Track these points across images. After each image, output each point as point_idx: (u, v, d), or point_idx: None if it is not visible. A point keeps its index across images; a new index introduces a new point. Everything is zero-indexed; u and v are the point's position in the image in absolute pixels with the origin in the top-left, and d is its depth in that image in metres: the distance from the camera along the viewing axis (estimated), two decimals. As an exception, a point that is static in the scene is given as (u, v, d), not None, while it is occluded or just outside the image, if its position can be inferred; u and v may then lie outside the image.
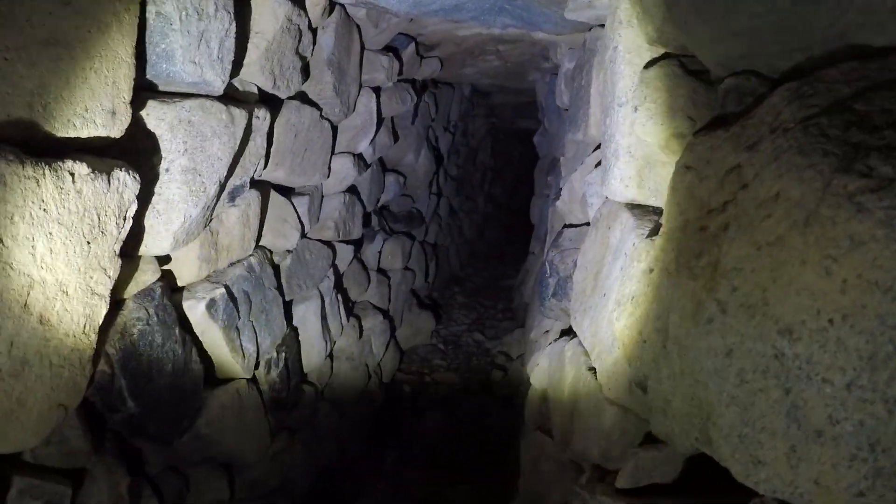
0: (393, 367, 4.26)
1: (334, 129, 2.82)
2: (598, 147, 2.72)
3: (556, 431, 2.39)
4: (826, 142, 0.94)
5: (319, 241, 3.02)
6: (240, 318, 2.25)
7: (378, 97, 3.15)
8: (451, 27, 3.38)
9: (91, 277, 1.46)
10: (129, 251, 1.67)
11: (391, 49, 3.20)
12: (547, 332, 3.22)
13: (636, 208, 1.94)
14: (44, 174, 1.24)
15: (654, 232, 1.64)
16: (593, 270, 2.27)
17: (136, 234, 1.67)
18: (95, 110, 1.36)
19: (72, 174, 1.30)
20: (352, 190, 3.33)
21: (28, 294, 1.30)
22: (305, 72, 2.38)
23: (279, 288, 2.59)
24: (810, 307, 0.86)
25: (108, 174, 1.39)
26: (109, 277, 1.51)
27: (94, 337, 1.52)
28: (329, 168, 2.88)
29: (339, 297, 3.25)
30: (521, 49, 3.91)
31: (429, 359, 4.65)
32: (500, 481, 3.42)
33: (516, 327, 5.24)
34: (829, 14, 1.06)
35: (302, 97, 2.47)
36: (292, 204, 2.66)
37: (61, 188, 1.29)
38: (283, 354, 2.63)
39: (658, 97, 1.61)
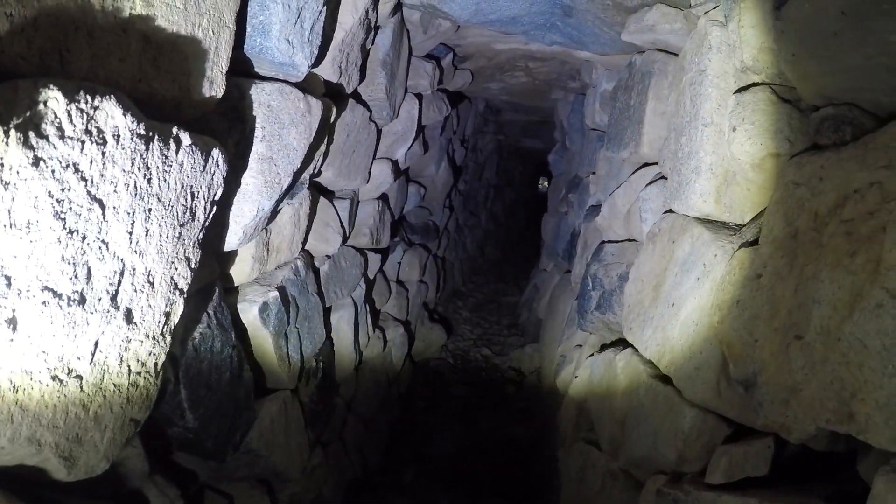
0: (408, 380, 4.15)
1: (379, 132, 2.76)
2: (644, 165, 2.74)
3: (603, 441, 2.38)
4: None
5: (353, 247, 2.94)
6: (288, 323, 2.15)
7: (420, 104, 3.10)
8: (488, 40, 3.37)
9: (176, 268, 1.34)
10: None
11: (433, 57, 3.17)
12: (580, 345, 3.18)
13: (707, 223, 1.97)
14: (153, 137, 1.09)
15: (748, 243, 1.64)
16: (651, 283, 2.26)
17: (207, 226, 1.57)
18: (195, 75, 1.23)
19: (178, 143, 1.15)
20: (383, 197, 3.26)
21: (119, 283, 1.14)
22: (363, 70, 2.32)
23: (320, 294, 2.50)
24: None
25: (206, 150, 1.26)
26: (191, 270, 1.39)
27: (169, 339, 1.34)
28: (369, 172, 2.81)
29: (368, 307, 3.16)
30: (551, 67, 3.92)
31: (441, 372, 4.56)
32: (527, 495, 3.33)
33: (524, 343, 5.19)
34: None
35: (356, 96, 2.40)
36: (335, 207, 2.58)
37: (166, 157, 1.14)
38: (321, 364, 2.52)
39: (757, 119, 1.69)
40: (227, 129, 1.57)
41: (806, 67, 1.47)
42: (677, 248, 2.10)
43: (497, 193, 7.75)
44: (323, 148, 2.08)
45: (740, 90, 1.77)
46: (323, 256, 2.61)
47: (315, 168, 2.09)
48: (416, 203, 4.21)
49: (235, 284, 1.99)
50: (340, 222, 2.60)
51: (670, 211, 2.22)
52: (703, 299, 1.85)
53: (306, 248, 2.44)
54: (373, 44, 2.35)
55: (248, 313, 1.97)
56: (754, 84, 1.76)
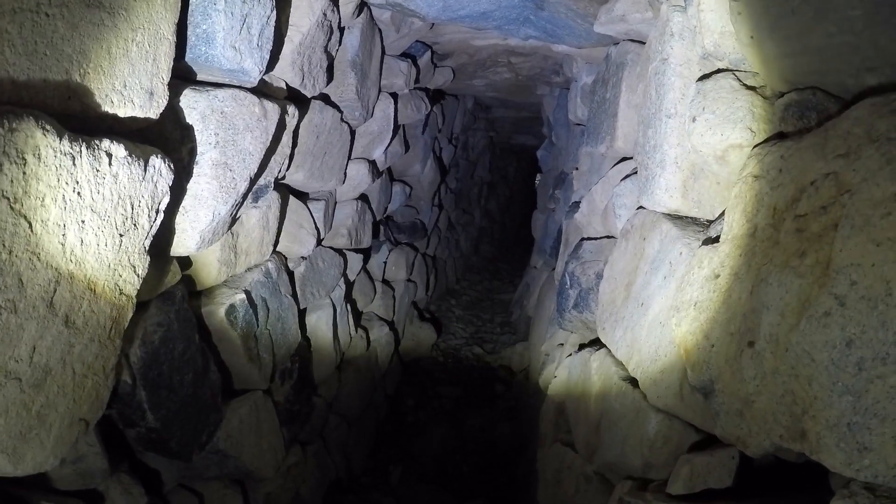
0: (396, 380, 4.15)
1: (352, 133, 2.74)
2: (622, 160, 2.70)
3: (579, 444, 2.34)
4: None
5: (331, 248, 2.93)
6: (258, 325, 2.15)
7: (396, 103, 3.08)
8: (466, 36, 3.34)
9: (120, 275, 1.35)
10: (152, 250, 1.56)
11: (409, 56, 3.15)
12: (561, 344, 3.15)
13: (676, 219, 1.92)
14: (80, 152, 1.12)
15: (711, 240, 1.60)
16: (624, 281, 2.23)
17: (160, 232, 1.57)
18: (133, 88, 1.26)
19: (109, 156, 1.18)
20: (363, 198, 3.25)
21: (54, 291, 1.18)
22: (330, 72, 2.30)
23: (294, 295, 2.49)
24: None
25: (145, 160, 1.29)
26: (138, 276, 1.40)
27: (119, 343, 1.39)
28: (345, 174, 2.80)
29: (349, 306, 3.15)
30: (533, 62, 3.89)
31: (431, 372, 4.55)
32: (511, 495, 3.33)
33: (515, 341, 5.17)
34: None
35: (325, 98, 2.39)
36: (308, 209, 2.57)
37: (97, 170, 1.17)
38: (297, 365, 2.52)
39: (717, 108, 1.59)
40: (180, 138, 1.57)
41: (765, 50, 1.39)
42: (647, 245, 2.05)
43: (491, 191, 7.73)
44: (288, 151, 2.07)
45: (702, 78, 1.68)
46: (298, 258, 2.60)
47: (280, 171, 2.08)
48: (402, 202, 4.19)
49: (203, 287, 1.99)
50: (315, 224, 2.59)
51: (642, 207, 2.18)
52: (669, 299, 1.78)
53: (279, 249, 2.43)
54: (340, 45, 2.34)
55: (215, 315, 1.97)
56: (717, 71, 1.67)
